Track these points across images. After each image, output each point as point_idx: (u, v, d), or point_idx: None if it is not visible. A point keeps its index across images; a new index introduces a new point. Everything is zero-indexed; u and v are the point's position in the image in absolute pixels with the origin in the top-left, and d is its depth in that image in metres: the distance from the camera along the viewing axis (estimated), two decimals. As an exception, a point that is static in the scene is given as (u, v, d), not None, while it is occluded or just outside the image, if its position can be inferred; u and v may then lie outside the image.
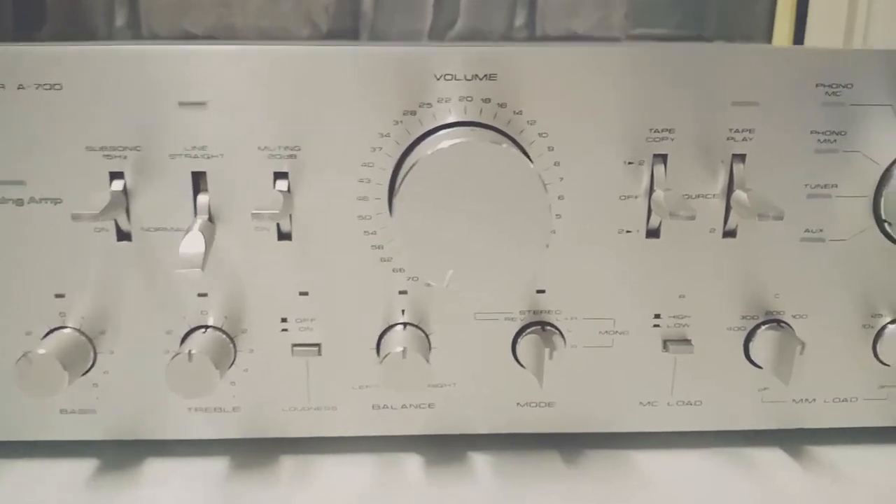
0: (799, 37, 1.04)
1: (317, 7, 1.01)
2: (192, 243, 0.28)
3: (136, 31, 0.98)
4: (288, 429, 0.33)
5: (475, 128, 0.29)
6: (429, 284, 0.29)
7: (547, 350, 0.31)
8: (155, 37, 0.97)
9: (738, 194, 0.30)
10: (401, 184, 0.27)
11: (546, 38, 1.04)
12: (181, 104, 0.29)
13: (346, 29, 1.00)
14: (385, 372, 0.30)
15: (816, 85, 0.30)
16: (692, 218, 0.28)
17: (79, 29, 0.94)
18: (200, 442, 0.34)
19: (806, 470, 0.34)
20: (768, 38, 1.09)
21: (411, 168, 0.27)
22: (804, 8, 1.04)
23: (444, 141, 0.27)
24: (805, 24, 1.02)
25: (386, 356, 0.30)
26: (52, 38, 0.87)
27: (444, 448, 0.34)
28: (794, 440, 0.35)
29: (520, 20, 1.06)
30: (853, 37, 0.97)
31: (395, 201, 0.27)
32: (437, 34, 1.03)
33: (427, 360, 0.30)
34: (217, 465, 0.33)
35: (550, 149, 0.30)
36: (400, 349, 0.30)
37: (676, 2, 1.09)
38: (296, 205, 0.30)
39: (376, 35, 1.01)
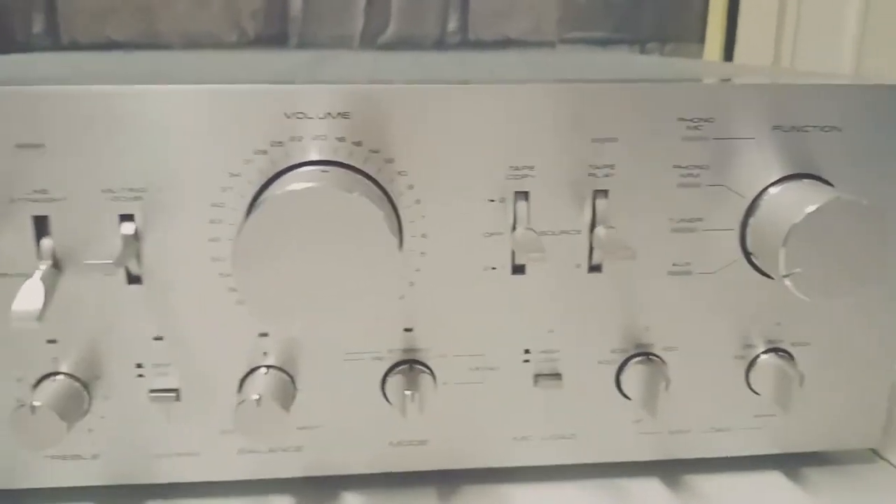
0: (730, 38, 1.04)
1: (245, 12, 0.99)
2: (28, 297, 0.27)
3: (54, 39, 0.95)
4: (151, 475, 0.32)
5: (332, 167, 0.29)
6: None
7: (408, 393, 0.30)
8: (75, 45, 0.95)
9: (599, 231, 0.30)
10: (241, 228, 0.26)
11: (479, 43, 1.03)
12: (18, 146, 0.28)
13: (274, 34, 0.98)
14: (239, 420, 0.29)
15: (677, 119, 0.30)
16: (542, 260, 0.28)
17: (-7, 36, 0.91)
18: (64, 490, 0.32)
19: (680, 499, 0.33)
20: (701, 39, 1.09)
21: (252, 212, 0.26)
22: (735, 9, 1.05)
23: (286, 185, 0.26)
24: (736, 24, 1.03)
25: (240, 404, 0.29)
26: (-37, 46, 0.84)
27: (318, 489, 0.34)
28: (673, 470, 0.35)
29: (452, 25, 1.05)
30: (783, 34, 0.98)
31: (235, 247, 0.26)
32: (368, 39, 1.02)
33: (285, 407, 0.30)
34: (80, 513, 0.32)
35: (410, 187, 0.30)
36: (255, 397, 0.29)
37: (610, 5, 1.09)
38: (145, 248, 0.29)
39: (305, 41, 1.00)
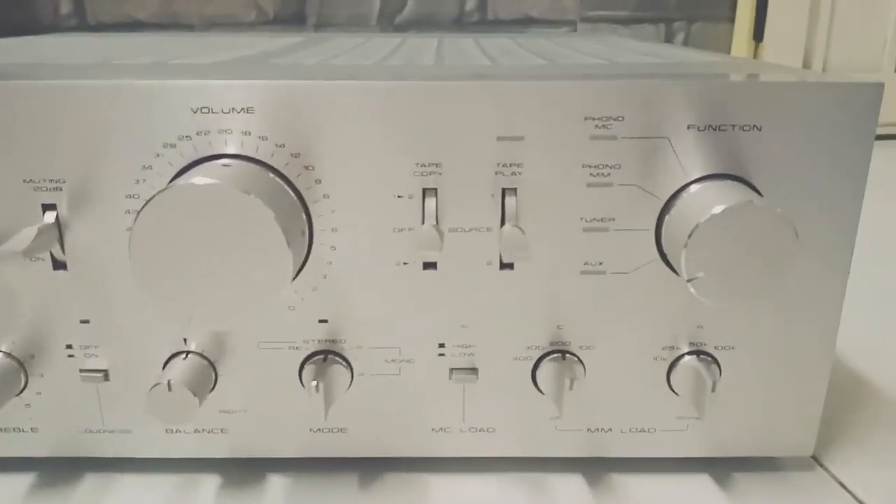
0: (761, 17, 1.00)
1: (263, -8, 1.00)
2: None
3: (81, 19, 0.98)
4: (86, 449, 0.34)
5: (236, 161, 0.29)
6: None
7: (313, 382, 0.31)
8: (100, 24, 0.98)
9: (504, 230, 0.30)
10: (136, 220, 0.27)
11: (498, 22, 1.02)
12: (-53, 137, 0.30)
13: (292, 14, 0.99)
14: (150, 403, 0.30)
15: (584, 118, 0.30)
16: (437, 258, 0.28)
17: (24, 17, 0.94)
18: (5, 459, 0.35)
19: (598, 497, 0.33)
20: (731, 19, 1.06)
21: (144, 206, 0.27)
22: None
23: (184, 180, 0.27)
24: (767, 2, 0.99)
25: (152, 388, 0.30)
26: (-5, 27, 0.87)
27: (245, 469, 0.35)
28: (600, 468, 0.35)
29: (471, 4, 1.04)
30: (819, 11, 0.93)
31: (131, 237, 0.27)
32: (386, 19, 1.02)
33: (197, 392, 0.31)
34: (21, 482, 0.34)
35: (318, 181, 0.30)
36: (165, 381, 0.30)
37: (635, -17, 1.06)
38: (68, 236, 0.31)
39: (323, 20, 1.01)
